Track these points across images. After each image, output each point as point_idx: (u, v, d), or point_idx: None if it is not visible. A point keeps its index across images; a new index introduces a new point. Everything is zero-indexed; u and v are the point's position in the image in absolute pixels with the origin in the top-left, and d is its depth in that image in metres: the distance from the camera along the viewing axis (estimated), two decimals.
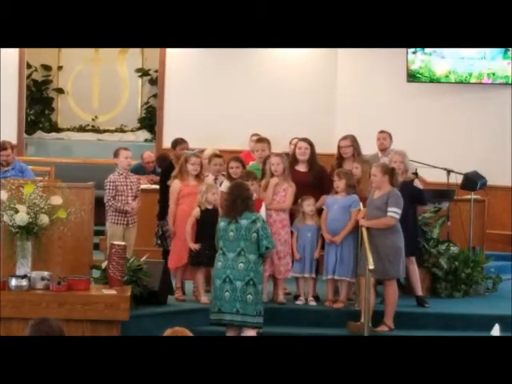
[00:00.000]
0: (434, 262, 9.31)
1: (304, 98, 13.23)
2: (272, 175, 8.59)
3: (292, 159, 8.96)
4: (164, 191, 9.04)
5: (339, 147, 9.18)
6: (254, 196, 8.37)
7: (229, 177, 8.70)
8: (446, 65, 12.56)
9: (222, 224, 7.63)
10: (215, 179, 8.83)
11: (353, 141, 9.14)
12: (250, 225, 7.51)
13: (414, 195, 8.73)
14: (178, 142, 9.62)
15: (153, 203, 9.34)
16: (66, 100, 15.79)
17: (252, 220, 7.53)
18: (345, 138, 9.22)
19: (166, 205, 8.81)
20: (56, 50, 15.40)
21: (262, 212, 8.34)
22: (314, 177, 8.82)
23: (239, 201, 7.56)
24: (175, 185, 8.59)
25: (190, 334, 4.93)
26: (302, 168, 8.89)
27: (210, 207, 8.25)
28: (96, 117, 15.76)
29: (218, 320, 7.57)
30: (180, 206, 8.54)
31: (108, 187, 8.81)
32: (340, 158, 9.16)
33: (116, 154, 9.03)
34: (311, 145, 8.91)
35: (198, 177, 8.60)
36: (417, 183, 9.02)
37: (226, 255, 7.56)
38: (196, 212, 8.32)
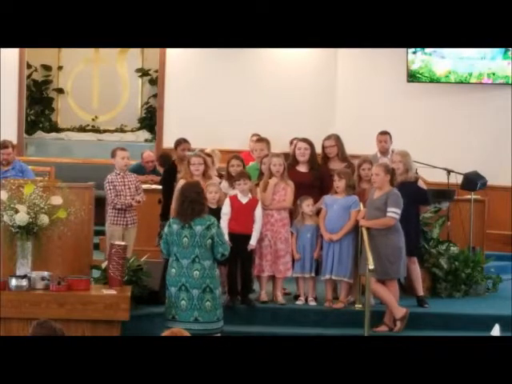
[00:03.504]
0: (434, 262, 9.31)
1: (304, 98, 13.23)
2: (271, 175, 8.59)
3: (292, 159, 8.94)
4: (167, 191, 9.04)
5: (323, 147, 9.11)
6: (249, 196, 8.37)
7: (228, 175, 8.69)
8: (446, 65, 12.58)
9: (174, 227, 7.37)
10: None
11: (336, 140, 9.07)
12: (204, 231, 7.28)
13: (418, 195, 8.72)
14: (180, 143, 9.64)
15: (153, 203, 9.34)
16: (66, 100, 15.79)
17: (206, 226, 7.30)
18: (328, 137, 9.15)
19: (169, 205, 8.81)
20: (56, 50, 15.39)
21: (258, 212, 8.34)
22: (315, 177, 8.81)
23: (186, 203, 7.33)
24: (179, 185, 8.58)
25: (187, 334, 4.93)
26: (302, 168, 8.87)
27: (213, 207, 8.15)
28: (96, 117, 15.75)
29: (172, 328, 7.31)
30: None
31: (108, 188, 8.82)
32: (325, 158, 9.12)
33: (113, 155, 9.05)
34: (311, 145, 8.88)
35: (204, 176, 8.57)
36: (421, 183, 9.01)
37: (179, 261, 7.32)
38: None
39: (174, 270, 7.37)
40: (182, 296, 7.30)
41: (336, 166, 8.90)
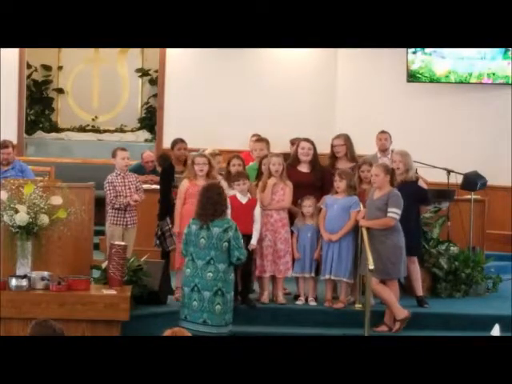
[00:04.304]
0: (434, 262, 9.31)
1: (304, 98, 13.23)
2: (270, 175, 8.59)
3: (294, 159, 8.94)
4: (164, 191, 9.04)
5: (332, 146, 9.17)
6: (248, 196, 8.37)
7: (228, 175, 8.68)
8: (446, 65, 12.57)
9: (193, 228, 7.43)
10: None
11: (346, 140, 9.13)
12: (221, 234, 7.33)
13: (418, 195, 8.72)
14: (176, 142, 9.63)
15: (153, 203, 9.33)
16: (66, 100, 15.78)
17: (224, 229, 7.34)
18: (338, 136, 9.21)
19: (166, 205, 8.81)
20: (56, 50, 15.40)
21: (257, 212, 8.34)
22: (317, 177, 8.82)
23: (208, 204, 7.38)
24: (183, 184, 8.57)
25: (188, 334, 4.93)
26: (303, 169, 8.88)
27: None
28: (96, 117, 15.75)
29: (184, 328, 7.24)
30: (185, 206, 8.51)
31: (108, 188, 8.81)
32: (333, 157, 9.15)
33: (113, 155, 9.05)
34: (313, 145, 8.91)
35: (208, 177, 8.56)
36: (421, 183, 9.01)
37: (195, 262, 7.36)
38: None
39: (188, 270, 7.41)
40: (194, 297, 7.33)
41: (344, 165, 8.94)
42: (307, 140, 8.96)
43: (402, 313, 8.11)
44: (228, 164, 8.81)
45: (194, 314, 7.33)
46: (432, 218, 9.61)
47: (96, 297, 7.31)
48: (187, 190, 8.51)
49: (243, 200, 8.31)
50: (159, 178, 9.77)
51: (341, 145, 9.11)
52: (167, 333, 4.87)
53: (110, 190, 8.79)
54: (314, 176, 8.83)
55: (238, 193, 8.32)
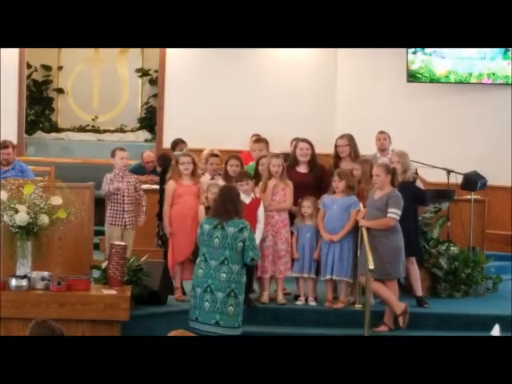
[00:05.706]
0: (434, 262, 9.31)
1: (304, 98, 13.23)
2: (270, 176, 8.58)
3: (293, 160, 8.94)
4: (163, 192, 9.04)
5: (336, 146, 9.20)
6: (252, 196, 8.37)
7: (226, 175, 8.68)
8: (446, 65, 12.57)
9: (206, 227, 7.36)
10: (212, 178, 8.82)
11: (350, 140, 9.15)
12: (236, 233, 7.28)
13: (416, 196, 8.72)
14: (177, 143, 9.65)
15: (153, 203, 9.34)
16: (66, 100, 15.78)
17: (239, 229, 7.30)
18: (342, 136, 9.23)
19: None
20: (56, 50, 15.40)
21: (261, 212, 8.34)
22: (315, 177, 8.83)
23: (229, 202, 7.37)
24: (169, 186, 8.59)
25: (191, 334, 4.93)
26: (302, 169, 8.89)
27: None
28: (96, 117, 15.75)
29: (194, 329, 7.22)
30: (175, 206, 8.53)
31: (105, 180, 8.84)
32: (337, 157, 9.17)
33: (112, 155, 9.07)
34: (311, 145, 8.92)
35: (194, 176, 8.58)
36: (418, 183, 9.01)
37: (207, 262, 7.30)
38: (201, 210, 8.29)
39: (201, 271, 7.35)
40: (207, 297, 7.27)
41: (347, 165, 8.96)
42: (305, 140, 8.97)
43: (401, 306, 8.12)
44: (226, 164, 8.81)
45: (206, 315, 7.26)
46: (432, 218, 9.61)
47: (96, 297, 7.31)
48: (175, 190, 8.52)
49: (246, 200, 8.30)
50: (159, 178, 9.79)
51: (345, 145, 9.12)
52: (172, 333, 4.87)
53: (106, 183, 8.80)
54: (313, 176, 8.84)
55: (241, 193, 8.31)
